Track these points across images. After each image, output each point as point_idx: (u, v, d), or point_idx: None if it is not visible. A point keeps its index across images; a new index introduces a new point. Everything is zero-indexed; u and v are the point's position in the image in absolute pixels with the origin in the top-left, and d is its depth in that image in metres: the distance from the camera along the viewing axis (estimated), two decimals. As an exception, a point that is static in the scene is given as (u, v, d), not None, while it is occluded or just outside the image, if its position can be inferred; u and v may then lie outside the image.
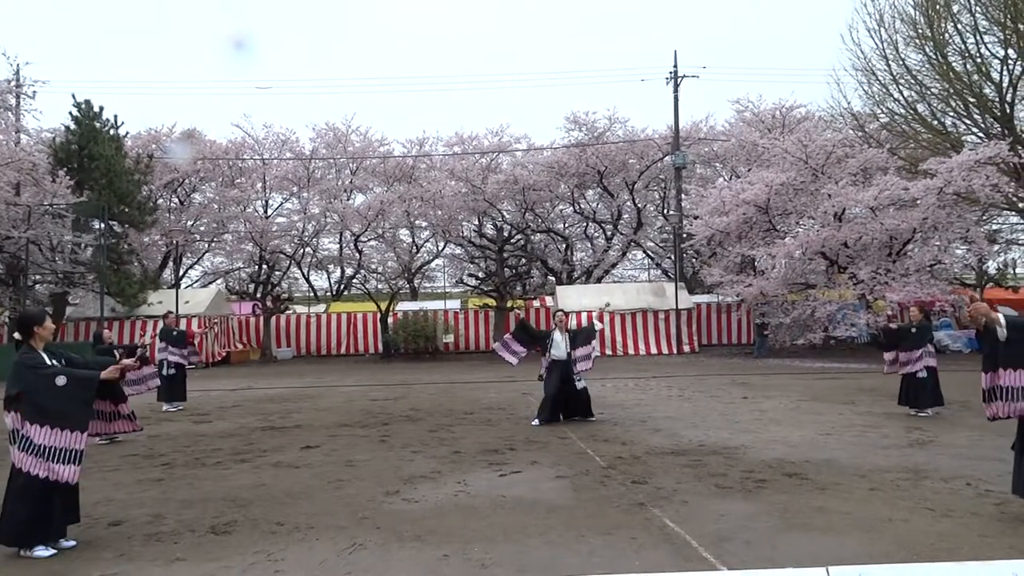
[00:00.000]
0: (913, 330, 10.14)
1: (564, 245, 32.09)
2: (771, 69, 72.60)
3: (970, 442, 7.86)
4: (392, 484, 6.46)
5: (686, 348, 24.74)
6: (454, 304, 29.90)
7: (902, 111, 21.69)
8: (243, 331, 28.84)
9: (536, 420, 9.71)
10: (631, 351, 24.54)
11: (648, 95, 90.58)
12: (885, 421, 9.45)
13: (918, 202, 20.17)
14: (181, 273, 31.19)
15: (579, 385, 9.77)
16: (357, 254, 28.78)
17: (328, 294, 33.18)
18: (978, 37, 19.48)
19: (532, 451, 7.89)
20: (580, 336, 9.90)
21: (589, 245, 32.98)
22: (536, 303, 28.93)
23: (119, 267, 23.62)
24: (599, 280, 30.68)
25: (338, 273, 32.25)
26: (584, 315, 24.72)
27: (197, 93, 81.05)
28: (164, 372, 11.85)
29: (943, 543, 4.49)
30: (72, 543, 4.85)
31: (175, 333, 12.53)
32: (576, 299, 25.66)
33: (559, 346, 9.73)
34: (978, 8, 19.24)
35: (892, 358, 10.29)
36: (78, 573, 4.42)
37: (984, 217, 23.57)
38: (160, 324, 13.09)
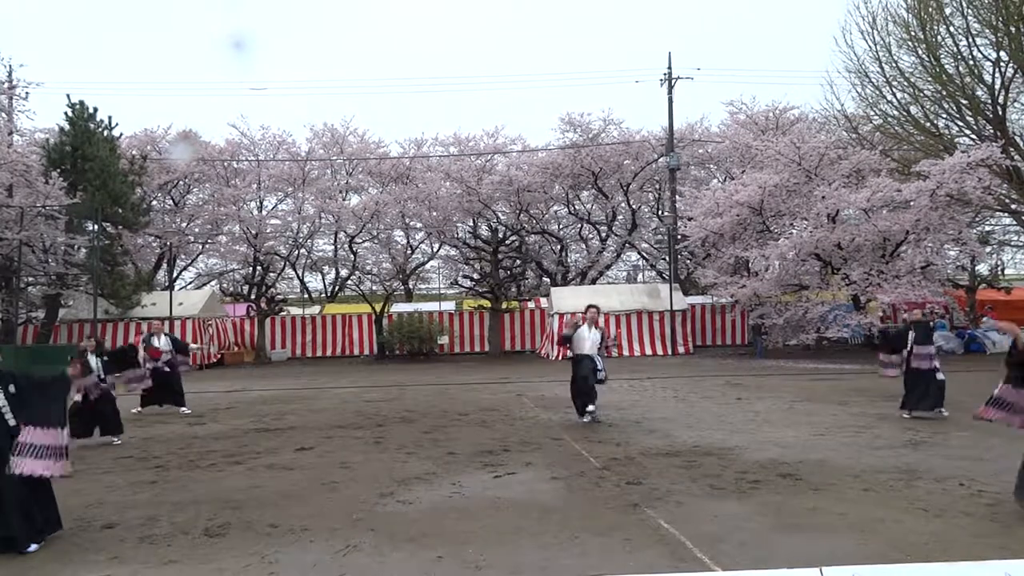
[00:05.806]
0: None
1: (559, 246, 32.09)
2: (765, 71, 72.96)
3: (963, 443, 7.89)
4: (386, 486, 6.45)
5: (680, 349, 24.76)
6: (449, 306, 29.88)
7: (895, 113, 21.78)
8: (237, 333, 28.75)
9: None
10: (626, 352, 24.53)
11: (643, 96, 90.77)
12: (878, 422, 9.47)
13: (911, 204, 20.24)
14: (175, 275, 31.09)
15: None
16: (352, 255, 28.72)
17: (323, 295, 33.11)
18: (970, 40, 19.60)
19: (527, 452, 7.89)
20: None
21: (584, 246, 33.02)
22: (531, 304, 28.94)
23: (112, 269, 23.50)
24: (594, 281, 30.70)
25: (333, 274, 32.22)
26: (578, 316, 24.78)
27: (194, 93, 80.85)
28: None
29: (936, 543, 4.51)
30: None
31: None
32: (571, 300, 25.66)
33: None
34: (970, 11, 19.35)
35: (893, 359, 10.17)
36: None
37: (976, 219, 23.68)
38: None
